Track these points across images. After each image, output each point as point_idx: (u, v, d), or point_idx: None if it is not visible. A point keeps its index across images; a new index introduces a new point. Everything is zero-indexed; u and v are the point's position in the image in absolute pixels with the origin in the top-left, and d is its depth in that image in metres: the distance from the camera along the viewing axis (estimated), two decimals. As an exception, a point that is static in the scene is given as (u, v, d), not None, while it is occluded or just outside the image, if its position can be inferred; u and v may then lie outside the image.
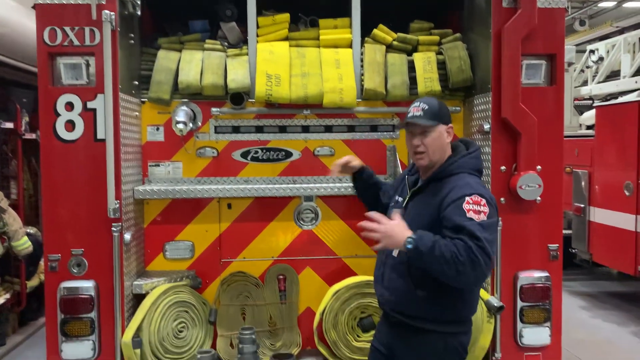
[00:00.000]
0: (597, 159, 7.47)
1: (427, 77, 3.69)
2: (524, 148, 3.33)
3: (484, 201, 2.48)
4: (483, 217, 2.45)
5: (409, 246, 2.41)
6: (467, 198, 2.47)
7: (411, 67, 3.78)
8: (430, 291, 2.56)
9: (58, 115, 3.23)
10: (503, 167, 3.39)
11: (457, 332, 2.67)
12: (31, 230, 6.14)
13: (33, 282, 6.17)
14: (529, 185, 3.31)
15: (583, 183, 7.64)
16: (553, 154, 3.41)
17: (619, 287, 8.32)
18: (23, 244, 5.59)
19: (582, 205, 7.62)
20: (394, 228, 2.47)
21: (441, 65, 3.77)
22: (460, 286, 2.51)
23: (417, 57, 3.79)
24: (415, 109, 2.68)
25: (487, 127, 3.41)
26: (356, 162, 3.11)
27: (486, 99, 3.47)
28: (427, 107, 2.66)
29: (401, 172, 3.49)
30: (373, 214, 2.53)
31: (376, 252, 2.81)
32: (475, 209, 2.45)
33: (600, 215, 7.34)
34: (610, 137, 7.22)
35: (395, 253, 2.67)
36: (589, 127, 8.62)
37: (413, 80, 3.74)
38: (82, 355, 3.26)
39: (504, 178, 3.40)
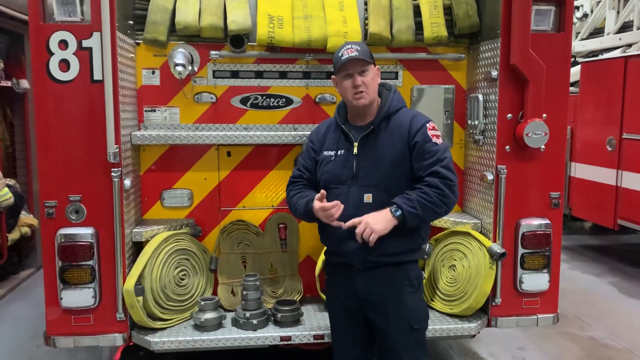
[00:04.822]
0: (580, 115, 7.58)
1: (434, 22, 3.60)
2: (531, 95, 3.30)
3: (436, 126, 2.81)
4: (441, 140, 2.78)
5: (398, 213, 2.63)
6: (427, 125, 2.76)
7: (416, 11, 3.68)
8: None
9: (51, 54, 3.04)
10: (509, 115, 3.37)
11: (416, 260, 2.94)
12: (10, 181, 5.94)
13: (14, 235, 6.01)
14: (535, 133, 3.30)
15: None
16: (558, 102, 3.39)
17: (594, 240, 8.60)
18: (4, 195, 5.42)
19: (564, 161, 7.75)
20: (370, 215, 2.63)
21: (447, 11, 3.68)
22: (447, 213, 2.79)
23: (422, 1, 3.68)
24: (349, 50, 2.75)
25: (494, 74, 3.36)
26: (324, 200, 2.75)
27: (493, 45, 3.42)
28: (360, 48, 2.76)
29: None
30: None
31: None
32: (435, 133, 2.76)
33: (581, 171, 7.50)
34: (594, 93, 7.31)
35: (367, 199, 2.74)
36: (571, 84, 8.70)
37: (418, 26, 3.65)
38: (82, 303, 3.19)
39: (510, 126, 3.38)
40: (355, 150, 2.79)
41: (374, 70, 2.80)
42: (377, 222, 2.60)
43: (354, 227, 2.66)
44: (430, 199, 2.64)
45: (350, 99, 2.78)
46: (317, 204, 2.71)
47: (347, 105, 2.90)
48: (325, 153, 2.89)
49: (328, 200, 2.72)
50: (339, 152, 2.85)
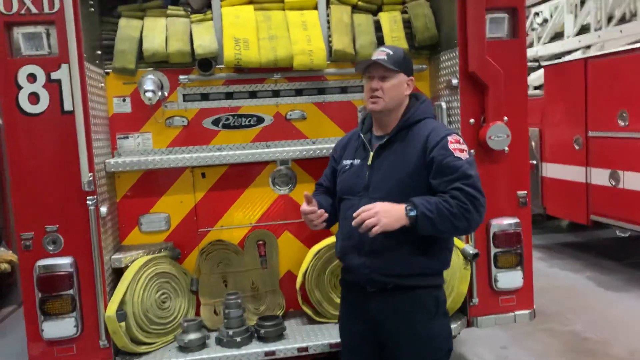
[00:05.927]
0: (547, 117, 7.79)
1: (395, 36, 3.73)
2: (491, 100, 3.44)
3: (461, 140, 2.61)
4: (467, 155, 2.56)
5: (412, 213, 2.42)
6: (449, 138, 2.55)
7: (377, 27, 3.81)
8: (419, 243, 2.58)
9: (20, 88, 3.08)
10: (472, 120, 3.49)
11: (440, 285, 2.75)
12: (-14, 218, 5.90)
13: (-8, 272, 5.95)
14: (498, 136, 3.43)
15: (534, 141, 7.97)
16: (518, 105, 3.52)
17: (571, 238, 8.79)
18: (-20, 232, 5.37)
19: (534, 162, 7.95)
20: (384, 205, 2.45)
21: (406, 24, 3.82)
22: (468, 232, 2.62)
23: (382, 16, 3.82)
24: (380, 53, 2.67)
25: (455, 81, 3.49)
26: (311, 203, 2.70)
27: (452, 54, 3.55)
28: (391, 53, 2.66)
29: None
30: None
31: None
32: (459, 147, 2.55)
33: (552, 170, 7.69)
34: (558, 95, 7.54)
35: None
36: (536, 88, 8.96)
37: (380, 40, 3.77)
38: (64, 333, 3.18)
39: (473, 130, 3.50)
40: (369, 160, 2.69)
41: (400, 79, 2.65)
42: (387, 216, 2.41)
43: (357, 241, 2.62)
44: (451, 208, 2.43)
45: (366, 101, 2.71)
46: (301, 207, 2.69)
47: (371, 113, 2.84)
48: (344, 162, 2.83)
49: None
50: (355, 162, 2.77)
